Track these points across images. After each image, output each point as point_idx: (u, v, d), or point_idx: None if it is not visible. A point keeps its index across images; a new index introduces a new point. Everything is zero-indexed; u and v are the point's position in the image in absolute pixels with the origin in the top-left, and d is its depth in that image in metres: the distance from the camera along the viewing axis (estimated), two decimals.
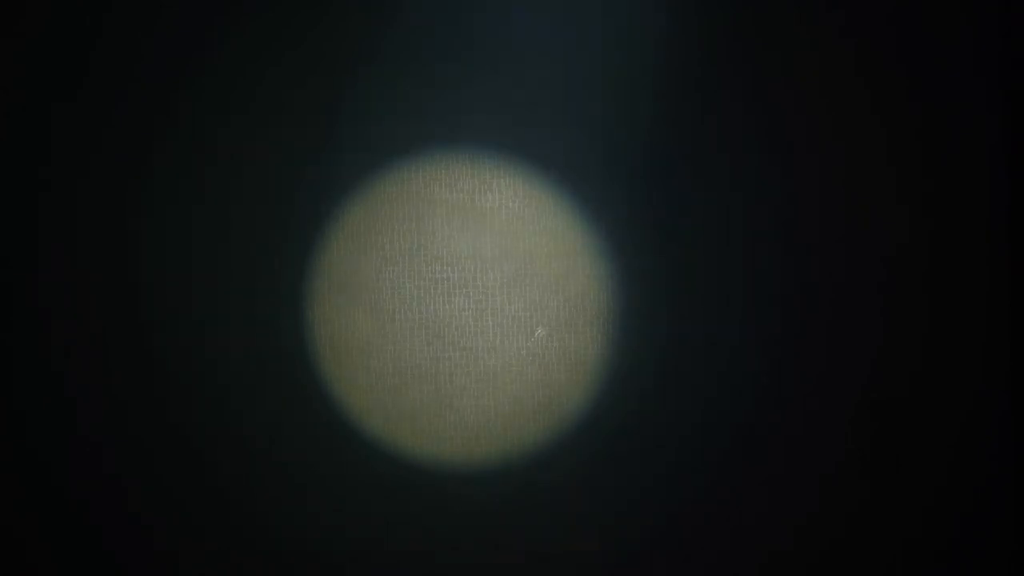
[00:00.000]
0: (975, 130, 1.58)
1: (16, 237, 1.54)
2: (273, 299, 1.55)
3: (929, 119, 1.58)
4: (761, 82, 1.57)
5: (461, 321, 1.56)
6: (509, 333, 1.57)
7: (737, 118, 1.57)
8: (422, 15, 1.56)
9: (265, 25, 1.55)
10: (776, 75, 1.58)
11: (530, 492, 1.56)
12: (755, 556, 1.57)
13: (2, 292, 1.53)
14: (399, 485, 1.56)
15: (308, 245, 1.56)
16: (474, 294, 1.57)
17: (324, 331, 1.56)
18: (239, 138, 1.55)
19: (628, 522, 1.57)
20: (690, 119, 1.57)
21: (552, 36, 1.57)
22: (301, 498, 1.55)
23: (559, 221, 1.57)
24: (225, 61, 1.55)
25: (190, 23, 1.54)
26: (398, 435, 1.56)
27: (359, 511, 1.56)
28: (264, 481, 1.55)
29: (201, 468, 1.54)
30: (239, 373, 1.55)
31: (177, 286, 1.54)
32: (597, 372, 1.57)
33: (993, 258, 1.59)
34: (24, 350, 1.54)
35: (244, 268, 1.55)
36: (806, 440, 1.57)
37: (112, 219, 1.54)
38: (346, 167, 1.56)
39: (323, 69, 1.56)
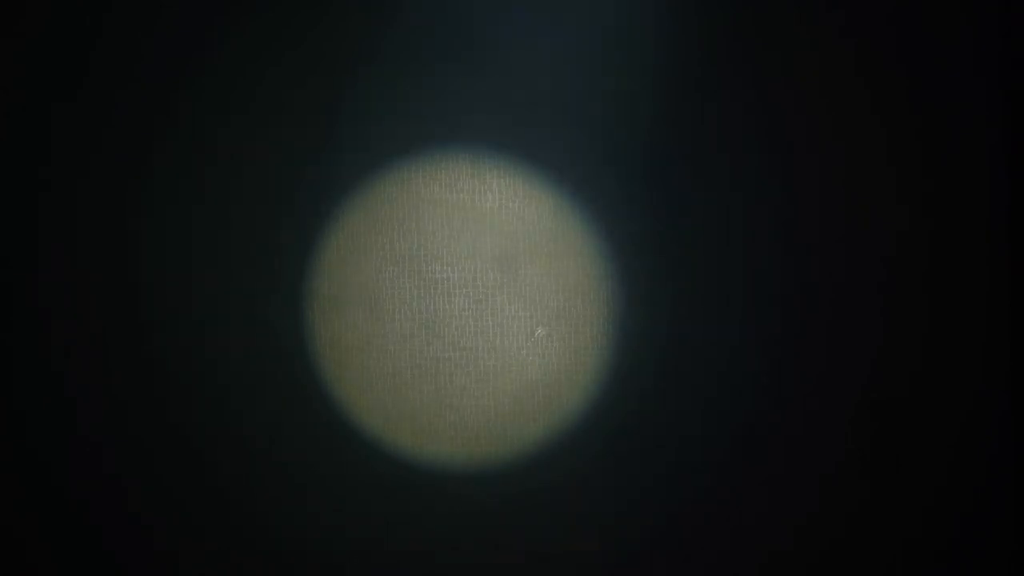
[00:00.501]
0: (975, 130, 1.58)
1: (16, 237, 1.54)
2: (273, 299, 1.55)
3: (929, 119, 1.58)
4: (761, 82, 1.57)
5: (461, 321, 1.56)
6: (509, 333, 1.57)
7: (737, 118, 1.57)
8: (422, 15, 1.56)
9: (265, 25, 1.55)
10: (776, 75, 1.58)
11: (530, 492, 1.56)
12: (755, 556, 1.57)
13: (2, 292, 1.53)
14: (399, 485, 1.56)
15: (308, 245, 1.56)
16: (474, 294, 1.57)
17: (324, 331, 1.56)
18: (239, 138, 1.55)
19: (628, 522, 1.57)
20: (690, 119, 1.57)
21: (552, 36, 1.57)
22: (301, 498, 1.55)
23: (559, 221, 1.57)
24: (225, 61, 1.55)
25: (190, 23, 1.54)
26: (398, 435, 1.56)
27: (359, 511, 1.56)
28: (264, 481, 1.55)
29: (201, 468, 1.54)
30: (239, 373, 1.55)
31: (177, 286, 1.54)
32: (597, 372, 1.57)
33: (993, 258, 1.59)
34: (24, 350, 1.54)
35: (244, 268, 1.55)
36: (806, 440, 1.57)
37: (112, 219, 1.54)
38: (346, 167, 1.56)
39: (323, 69, 1.56)
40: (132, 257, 1.54)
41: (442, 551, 1.56)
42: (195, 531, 1.54)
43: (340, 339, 1.55)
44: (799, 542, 1.57)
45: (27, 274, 1.54)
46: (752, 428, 1.57)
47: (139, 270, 1.54)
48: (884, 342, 1.57)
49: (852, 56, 1.58)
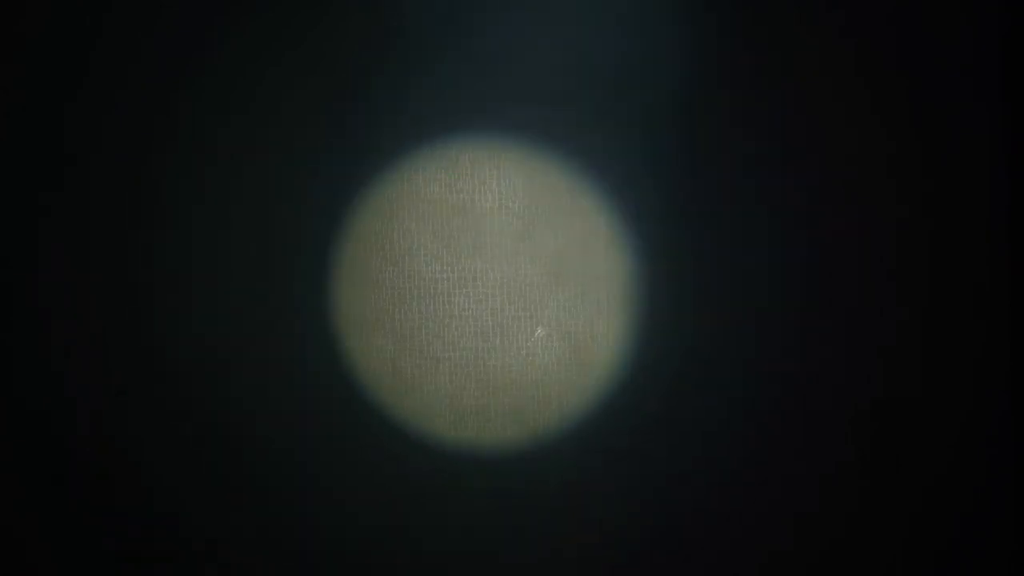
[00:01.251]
0: (975, 130, 1.58)
1: (16, 237, 1.54)
2: (273, 299, 1.55)
3: (929, 119, 1.58)
4: (761, 82, 1.57)
5: (461, 321, 1.56)
6: (509, 333, 1.57)
7: (737, 118, 1.57)
8: (422, 15, 1.56)
9: (265, 25, 1.55)
10: (776, 75, 1.58)
11: (531, 491, 1.56)
12: (755, 556, 1.57)
13: (2, 292, 1.53)
14: (398, 485, 1.56)
15: (308, 245, 1.56)
16: (474, 294, 1.57)
17: (324, 331, 1.55)
18: (239, 138, 1.55)
19: (629, 522, 1.57)
20: (690, 119, 1.57)
21: (553, 37, 1.57)
22: (301, 498, 1.55)
23: (559, 221, 1.57)
24: (225, 61, 1.55)
25: (190, 23, 1.54)
26: (399, 436, 1.56)
27: (360, 510, 1.56)
28: (264, 481, 1.55)
29: (201, 468, 1.54)
30: (238, 373, 1.54)
31: (177, 286, 1.54)
32: (597, 372, 1.57)
33: (993, 258, 1.59)
34: (24, 350, 1.54)
35: (244, 268, 1.55)
36: (806, 440, 1.57)
37: (112, 219, 1.54)
38: (346, 167, 1.56)
39: (323, 69, 1.55)
40: (132, 257, 1.54)
41: (443, 550, 1.56)
42: (196, 531, 1.54)
43: (340, 339, 1.55)
44: (799, 542, 1.58)
45: (27, 274, 1.54)
46: (752, 428, 1.57)
47: (139, 270, 1.54)
48: (884, 342, 1.57)
49: (852, 56, 1.58)
